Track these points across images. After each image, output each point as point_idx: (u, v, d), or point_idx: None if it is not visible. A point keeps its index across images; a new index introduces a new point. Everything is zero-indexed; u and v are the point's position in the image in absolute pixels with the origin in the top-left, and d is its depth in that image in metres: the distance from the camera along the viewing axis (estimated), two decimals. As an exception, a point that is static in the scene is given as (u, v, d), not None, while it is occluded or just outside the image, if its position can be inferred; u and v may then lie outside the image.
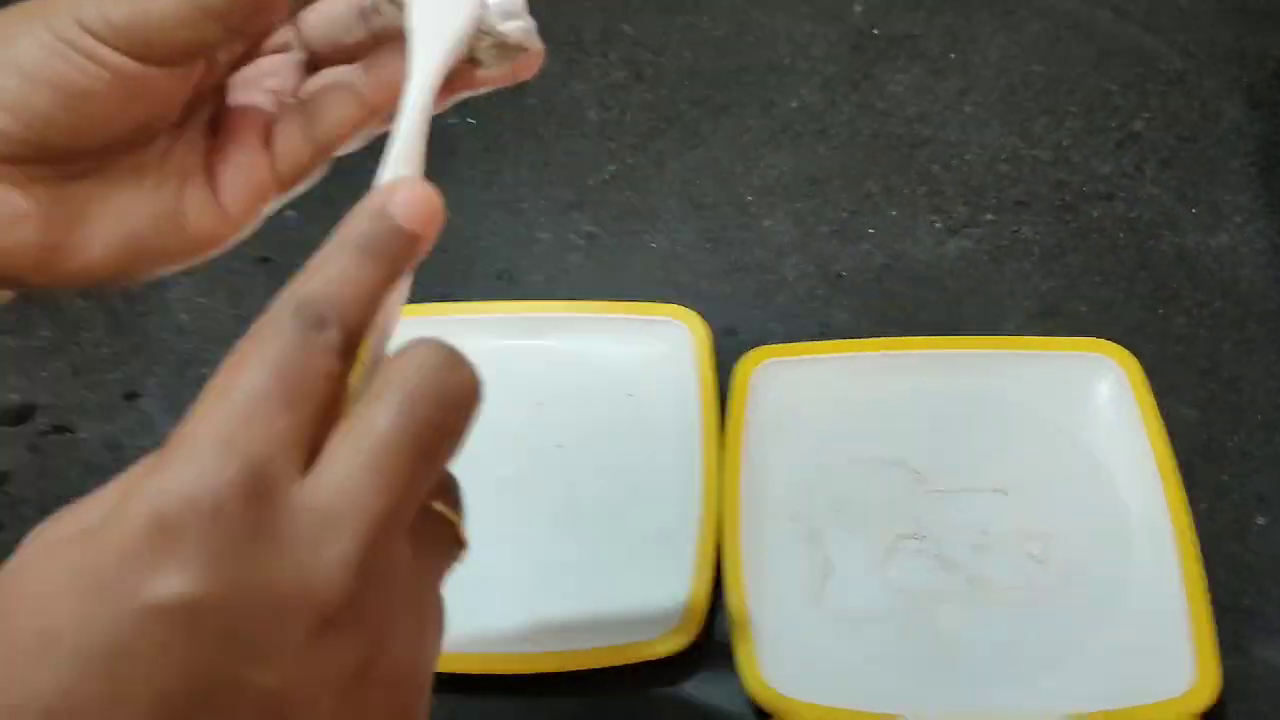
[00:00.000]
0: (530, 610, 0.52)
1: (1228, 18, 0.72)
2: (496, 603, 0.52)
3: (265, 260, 0.64)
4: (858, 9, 0.75)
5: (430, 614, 0.27)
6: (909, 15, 0.74)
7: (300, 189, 0.38)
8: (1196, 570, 0.50)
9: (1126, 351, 0.56)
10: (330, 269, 0.27)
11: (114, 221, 0.35)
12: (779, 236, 0.64)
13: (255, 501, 0.24)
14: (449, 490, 0.29)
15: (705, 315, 0.59)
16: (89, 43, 0.32)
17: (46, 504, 0.54)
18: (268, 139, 0.36)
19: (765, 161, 0.67)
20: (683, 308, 0.59)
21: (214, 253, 0.36)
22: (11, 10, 0.33)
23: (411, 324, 0.62)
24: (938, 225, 0.64)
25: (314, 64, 0.38)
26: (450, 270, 0.64)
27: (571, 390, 0.59)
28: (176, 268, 0.36)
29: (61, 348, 0.61)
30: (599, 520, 0.54)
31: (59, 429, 0.58)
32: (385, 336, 0.29)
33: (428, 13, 0.33)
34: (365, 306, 0.27)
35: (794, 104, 0.70)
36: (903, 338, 0.58)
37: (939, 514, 0.54)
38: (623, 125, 0.70)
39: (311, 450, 0.25)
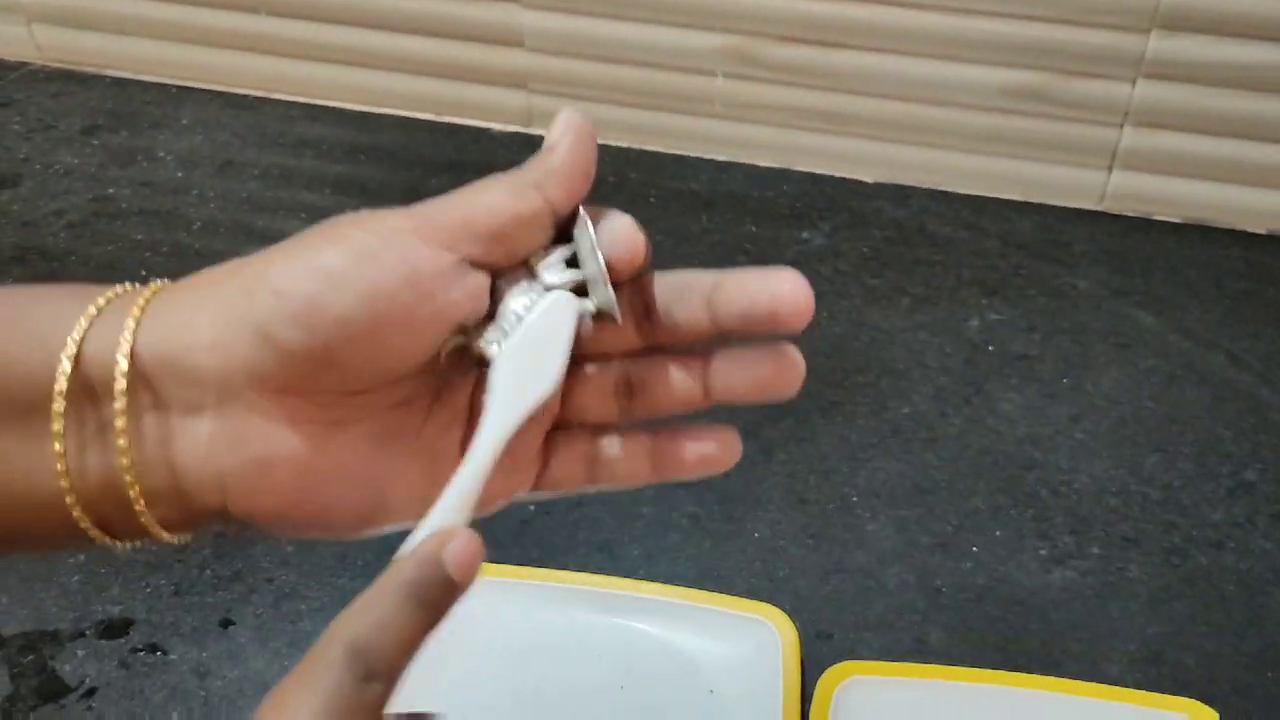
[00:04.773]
0: None
1: (1344, 378, 0.72)
2: None
3: (374, 501, 0.65)
4: (974, 324, 0.77)
5: None
6: (1025, 336, 0.76)
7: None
8: None
9: (1220, 721, 0.54)
10: (383, 613, 0.28)
11: (366, 486, 0.34)
12: (881, 542, 0.64)
13: None
14: None
15: (799, 615, 0.59)
16: (408, 238, 0.32)
17: (129, 723, 0.55)
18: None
19: (873, 464, 0.68)
20: (773, 608, 0.59)
21: None
22: (314, 228, 0.33)
23: (506, 586, 0.63)
24: (1043, 552, 0.64)
25: None
26: (552, 535, 0.65)
27: (653, 677, 0.58)
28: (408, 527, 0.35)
29: (166, 565, 0.62)
30: (674, 823, 0.53)
31: (151, 648, 0.59)
32: None
33: (514, 371, 0.34)
34: (407, 655, 0.28)
35: (905, 410, 0.71)
36: (999, 672, 0.57)
37: None
38: (734, 410, 0.71)
39: None
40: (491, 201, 0.33)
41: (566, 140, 0.34)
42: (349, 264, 0.32)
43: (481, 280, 0.34)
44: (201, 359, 0.32)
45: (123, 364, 0.32)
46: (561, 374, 0.35)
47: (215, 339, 0.32)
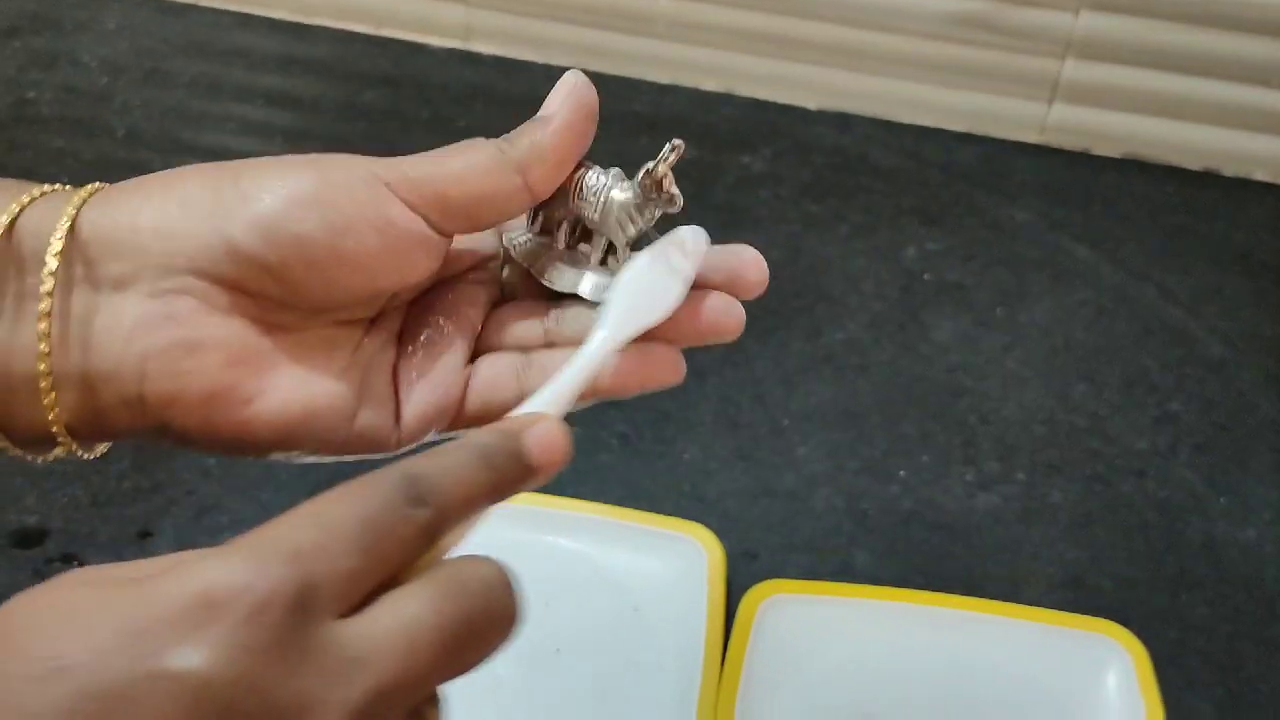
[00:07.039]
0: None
1: (1271, 313, 0.73)
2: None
3: (300, 415, 0.64)
4: (911, 252, 0.76)
5: None
6: (961, 265, 0.76)
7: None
8: None
9: (1138, 641, 0.55)
10: (448, 460, 0.28)
11: (296, 387, 0.33)
12: (811, 466, 0.64)
13: (296, 616, 0.25)
14: (438, 709, 0.29)
15: (728, 536, 0.59)
16: (380, 187, 0.33)
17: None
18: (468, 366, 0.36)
19: (805, 388, 0.68)
20: (701, 526, 0.59)
21: (375, 455, 0.35)
22: (282, 157, 0.33)
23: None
24: (969, 478, 0.64)
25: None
26: (481, 452, 0.64)
27: (579, 595, 0.58)
28: (329, 459, 0.35)
29: (84, 475, 0.61)
30: (594, 736, 0.53)
31: (67, 558, 0.57)
32: (461, 538, 0.30)
33: (635, 288, 0.34)
34: (463, 505, 0.28)
35: (840, 335, 0.71)
36: (918, 592, 0.57)
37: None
38: (669, 332, 0.71)
39: (363, 601, 0.26)
40: (469, 175, 0.33)
41: (564, 113, 0.34)
42: (324, 191, 0.32)
43: (444, 244, 0.34)
44: (146, 239, 0.32)
45: (60, 231, 0.32)
46: (675, 306, 0.34)
47: (167, 225, 0.32)
